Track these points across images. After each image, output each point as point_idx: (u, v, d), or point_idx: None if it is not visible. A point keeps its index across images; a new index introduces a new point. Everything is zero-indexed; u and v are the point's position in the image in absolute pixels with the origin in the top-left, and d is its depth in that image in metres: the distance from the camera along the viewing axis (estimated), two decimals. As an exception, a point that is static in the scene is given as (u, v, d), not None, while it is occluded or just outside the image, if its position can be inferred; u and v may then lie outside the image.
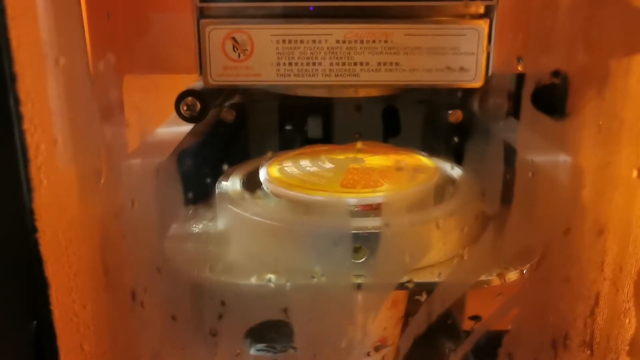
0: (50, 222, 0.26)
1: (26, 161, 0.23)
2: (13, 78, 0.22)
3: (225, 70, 0.45)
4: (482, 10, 0.44)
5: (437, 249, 0.33)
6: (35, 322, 0.26)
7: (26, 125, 0.23)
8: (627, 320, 0.33)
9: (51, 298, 0.26)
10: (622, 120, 0.33)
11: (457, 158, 0.49)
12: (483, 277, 0.33)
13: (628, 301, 0.33)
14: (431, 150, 0.59)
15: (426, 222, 0.33)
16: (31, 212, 0.24)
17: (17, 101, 0.22)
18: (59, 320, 0.27)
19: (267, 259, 0.33)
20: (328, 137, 0.63)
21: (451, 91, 0.48)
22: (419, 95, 0.60)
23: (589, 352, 0.35)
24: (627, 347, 0.33)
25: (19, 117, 0.22)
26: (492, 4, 0.44)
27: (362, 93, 0.49)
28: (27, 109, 0.23)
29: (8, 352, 0.25)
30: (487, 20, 0.44)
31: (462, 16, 0.45)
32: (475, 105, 0.46)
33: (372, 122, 0.63)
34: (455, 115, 0.49)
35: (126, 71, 0.44)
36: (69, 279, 0.29)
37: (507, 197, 0.41)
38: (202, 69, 0.45)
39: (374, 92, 0.49)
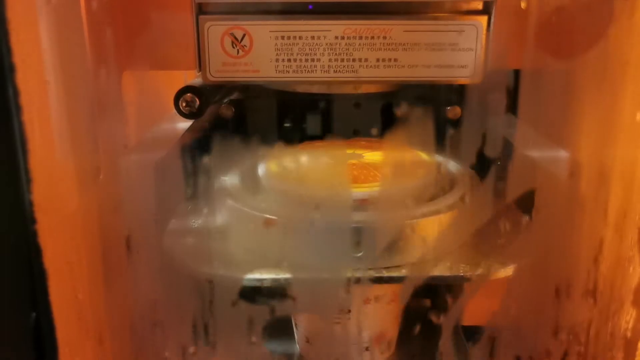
0: (49, 213, 0.26)
1: (25, 152, 0.23)
2: (12, 69, 0.22)
3: (224, 67, 0.45)
4: (480, 6, 0.45)
5: (436, 242, 0.34)
6: (34, 313, 0.26)
7: (25, 116, 0.23)
8: (631, 268, 0.32)
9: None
10: (627, 62, 0.33)
11: (456, 154, 0.49)
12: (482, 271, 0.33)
13: (632, 248, 0.32)
14: (430, 145, 0.59)
15: (424, 215, 0.33)
16: (30, 204, 0.24)
17: (15, 92, 0.22)
18: (59, 309, 0.27)
19: (267, 253, 0.33)
20: (327, 133, 0.63)
21: (450, 87, 0.49)
22: (418, 92, 0.60)
23: (592, 300, 0.35)
24: (631, 296, 0.32)
25: (18, 109, 0.23)
26: (490, 0, 0.44)
27: (361, 89, 0.49)
28: (26, 100, 0.23)
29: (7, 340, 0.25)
30: (486, 17, 0.44)
31: (460, 12, 0.45)
32: (474, 101, 0.46)
33: (371, 118, 0.63)
34: (453, 112, 0.49)
35: (125, 67, 0.44)
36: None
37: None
38: (201, 65, 0.45)
39: (373, 88, 0.49)
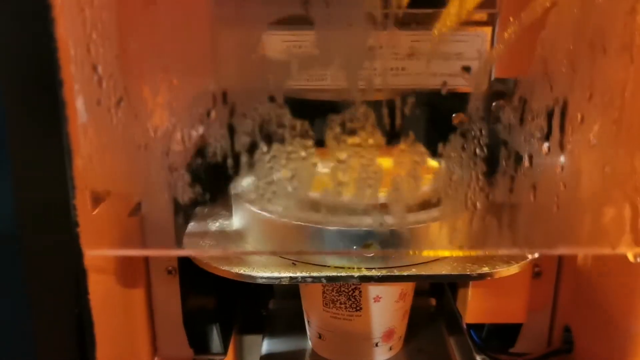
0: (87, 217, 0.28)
1: (70, 161, 0.25)
2: (60, 84, 0.24)
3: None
4: (485, 18, 0.46)
5: (444, 244, 0.35)
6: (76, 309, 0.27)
7: (71, 126, 0.25)
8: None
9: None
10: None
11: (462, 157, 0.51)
12: (487, 269, 0.34)
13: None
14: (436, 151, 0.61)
15: (432, 219, 0.35)
16: (74, 208, 0.26)
17: (63, 104, 0.24)
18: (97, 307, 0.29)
19: (282, 253, 0.35)
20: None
21: (455, 95, 0.50)
22: (424, 99, 0.62)
23: (628, 57, 0.33)
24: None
25: (65, 120, 0.24)
26: (494, 12, 0.46)
27: (369, 97, 0.51)
28: (71, 113, 0.25)
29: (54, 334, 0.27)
30: (490, 28, 0.46)
31: (466, 23, 0.46)
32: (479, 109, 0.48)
33: (379, 124, 0.65)
34: (458, 118, 0.50)
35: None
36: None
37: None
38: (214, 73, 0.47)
39: (380, 96, 0.51)
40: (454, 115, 0.51)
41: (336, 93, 0.49)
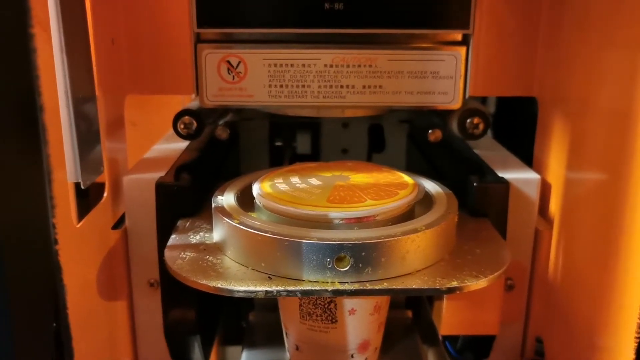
0: (67, 235, 0.29)
1: (50, 182, 0.26)
2: (41, 109, 0.25)
3: (221, 91, 0.48)
4: (459, 37, 0.48)
5: (416, 259, 0.37)
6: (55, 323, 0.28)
7: (51, 150, 0.26)
8: None
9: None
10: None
11: (438, 173, 0.53)
12: (456, 283, 0.36)
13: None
14: (413, 165, 0.62)
15: (405, 233, 0.36)
16: (54, 227, 0.27)
17: (44, 129, 0.25)
18: (76, 321, 0.30)
19: (260, 267, 0.36)
20: (313, 154, 0.66)
21: (431, 112, 0.52)
22: (401, 116, 0.64)
23: None
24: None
25: (45, 144, 0.26)
26: (468, 33, 0.47)
27: (348, 113, 0.52)
28: (51, 136, 0.26)
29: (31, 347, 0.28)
30: (465, 47, 0.47)
31: (441, 43, 0.48)
32: (454, 125, 0.49)
33: (358, 140, 0.66)
34: (434, 135, 0.52)
35: (128, 91, 0.47)
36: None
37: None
38: (198, 90, 0.48)
39: (359, 113, 0.52)
40: (429, 131, 0.52)
41: (315, 109, 0.50)
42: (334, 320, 0.41)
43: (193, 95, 0.49)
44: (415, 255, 0.37)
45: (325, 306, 0.40)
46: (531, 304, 0.48)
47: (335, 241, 0.35)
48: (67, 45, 0.38)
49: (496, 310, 0.46)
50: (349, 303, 0.40)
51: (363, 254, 0.35)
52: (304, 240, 0.35)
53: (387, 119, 0.65)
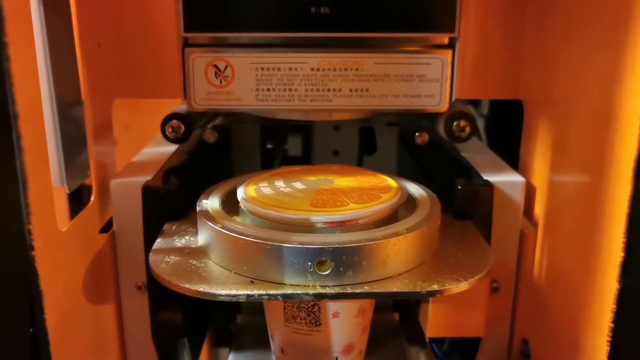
0: (44, 241, 0.29)
1: (25, 189, 0.27)
2: (15, 117, 0.25)
3: (209, 95, 0.49)
4: (446, 41, 0.48)
5: (397, 262, 0.37)
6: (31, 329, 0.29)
7: (26, 157, 0.26)
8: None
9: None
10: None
11: (426, 176, 0.53)
12: (436, 287, 0.36)
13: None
14: (404, 168, 0.63)
15: (386, 237, 0.36)
16: (29, 233, 0.27)
17: (18, 136, 0.26)
18: (53, 326, 0.30)
19: (243, 271, 0.37)
20: (305, 157, 0.66)
21: (420, 114, 0.52)
22: (391, 118, 0.64)
23: None
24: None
25: (20, 150, 0.26)
26: (454, 36, 0.47)
27: (336, 116, 0.52)
28: (27, 143, 0.26)
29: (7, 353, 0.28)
30: (450, 51, 0.48)
31: (427, 46, 0.48)
32: (441, 128, 0.49)
33: (349, 142, 0.67)
34: (422, 137, 0.52)
35: (116, 95, 0.48)
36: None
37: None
38: (186, 94, 0.48)
39: (347, 116, 0.52)
40: (417, 134, 0.53)
41: (303, 113, 0.50)
42: (317, 323, 0.41)
43: (182, 100, 0.49)
44: (396, 259, 0.37)
45: (309, 309, 0.41)
46: (517, 306, 0.48)
47: (316, 245, 0.35)
48: (52, 50, 0.38)
49: (481, 312, 0.46)
50: (332, 306, 0.41)
51: (344, 257, 0.35)
52: (285, 244, 0.35)
53: (378, 121, 0.65)
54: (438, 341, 0.50)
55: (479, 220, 0.45)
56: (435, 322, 0.46)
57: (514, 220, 0.46)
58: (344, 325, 0.42)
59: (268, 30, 0.47)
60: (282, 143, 0.66)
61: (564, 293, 0.42)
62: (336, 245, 0.35)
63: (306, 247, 0.35)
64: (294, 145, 0.66)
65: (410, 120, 0.59)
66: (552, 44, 0.44)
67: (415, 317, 0.49)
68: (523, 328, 0.48)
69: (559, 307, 0.42)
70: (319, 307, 0.41)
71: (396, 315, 0.55)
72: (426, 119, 0.53)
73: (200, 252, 0.40)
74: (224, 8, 0.47)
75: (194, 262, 0.39)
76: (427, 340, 0.49)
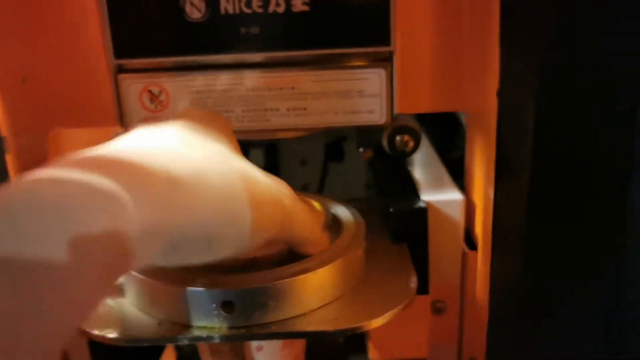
0: None
1: None
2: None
3: (145, 121, 0.48)
4: (383, 55, 0.46)
5: (309, 299, 0.36)
6: None
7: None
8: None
9: None
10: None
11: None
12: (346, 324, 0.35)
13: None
14: (370, 176, 0.61)
15: (295, 274, 0.35)
16: None
17: None
18: None
19: (151, 312, 0.36)
20: (274, 167, 0.65)
21: (361, 130, 0.51)
22: (332, 135, 0.62)
23: None
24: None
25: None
26: (390, 50, 0.46)
27: (279, 135, 0.51)
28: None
29: None
30: (388, 64, 0.46)
31: (364, 61, 0.47)
32: (385, 143, 0.48)
33: (316, 151, 0.65)
34: (366, 154, 0.51)
35: (49, 127, 0.47)
36: None
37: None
38: (122, 120, 0.48)
39: (291, 134, 0.51)
40: (361, 149, 0.51)
41: (242, 134, 0.50)
42: (242, 358, 0.41)
43: (120, 128, 0.49)
44: (307, 296, 0.36)
45: (232, 344, 0.40)
46: (464, 325, 0.47)
47: (219, 288, 0.35)
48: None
49: (423, 333, 0.45)
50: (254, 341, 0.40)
51: (248, 299, 0.35)
52: (189, 288, 0.35)
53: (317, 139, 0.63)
54: (384, 363, 0.49)
55: (414, 242, 0.44)
56: (378, 344, 0.45)
57: (454, 240, 0.45)
58: (270, 358, 0.41)
59: (199, 53, 0.47)
60: (245, 154, 0.65)
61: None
62: (241, 288, 0.35)
63: (209, 291, 0.35)
64: (257, 156, 0.65)
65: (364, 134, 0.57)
66: (488, 53, 0.42)
67: (360, 339, 0.48)
68: (471, 348, 0.47)
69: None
70: (242, 342, 0.40)
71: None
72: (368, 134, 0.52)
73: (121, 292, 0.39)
74: (152, 33, 0.46)
75: (111, 302, 0.38)
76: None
